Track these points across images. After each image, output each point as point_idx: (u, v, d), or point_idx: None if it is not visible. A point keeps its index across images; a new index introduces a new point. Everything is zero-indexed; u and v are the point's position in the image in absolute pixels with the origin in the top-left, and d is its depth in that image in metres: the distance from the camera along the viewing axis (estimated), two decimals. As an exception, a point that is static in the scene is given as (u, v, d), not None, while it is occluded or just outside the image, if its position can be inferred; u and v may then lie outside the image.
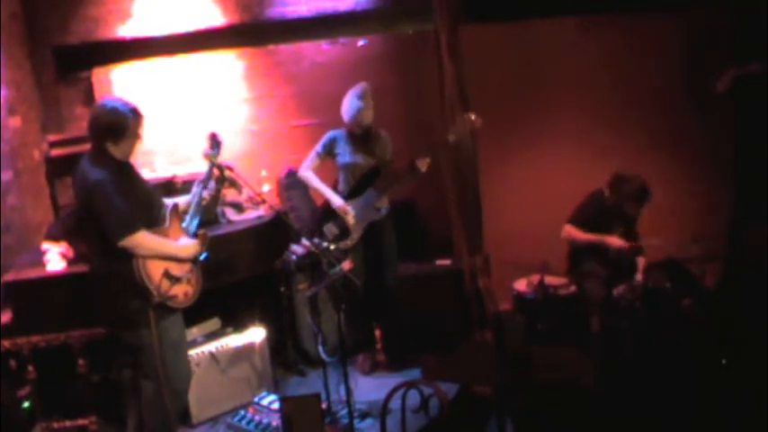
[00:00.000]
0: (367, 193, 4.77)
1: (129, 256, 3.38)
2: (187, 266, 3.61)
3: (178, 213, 3.72)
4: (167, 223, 3.61)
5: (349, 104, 4.67)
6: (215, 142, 3.89)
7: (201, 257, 3.71)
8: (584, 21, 5.53)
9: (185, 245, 3.63)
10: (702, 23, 5.53)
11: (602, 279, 4.86)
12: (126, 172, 3.54)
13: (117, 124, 3.42)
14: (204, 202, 3.79)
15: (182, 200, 3.81)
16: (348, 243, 4.69)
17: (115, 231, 3.35)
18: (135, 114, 3.49)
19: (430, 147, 4.73)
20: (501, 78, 5.62)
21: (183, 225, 3.71)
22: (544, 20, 5.50)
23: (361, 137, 4.74)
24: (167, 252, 3.52)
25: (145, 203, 3.55)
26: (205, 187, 3.79)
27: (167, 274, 3.46)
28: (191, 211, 3.75)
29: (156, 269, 3.44)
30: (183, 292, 3.57)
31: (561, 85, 5.65)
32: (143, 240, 3.41)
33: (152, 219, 3.54)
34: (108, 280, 3.49)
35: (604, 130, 5.62)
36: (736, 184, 5.47)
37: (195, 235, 3.72)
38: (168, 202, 3.74)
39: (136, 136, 3.51)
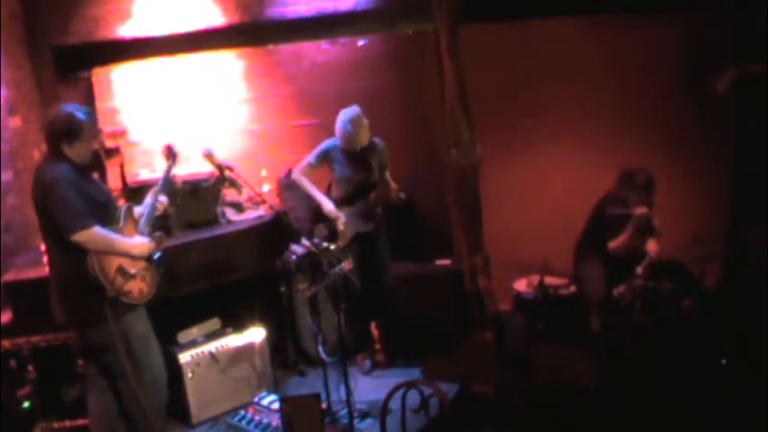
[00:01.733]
0: (358, 205, 4.81)
1: (82, 252, 3.44)
2: (141, 263, 3.65)
3: (132, 214, 3.78)
4: (122, 222, 3.69)
5: (341, 128, 4.69)
6: (171, 154, 4.01)
7: (156, 257, 3.75)
8: (584, 21, 5.53)
9: (138, 243, 3.68)
10: (702, 23, 5.53)
11: (603, 280, 4.86)
12: (81, 173, 3.62)
13: (72, 126, 3.54)
14: (157, 212, 3.88)
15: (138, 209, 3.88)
16: (333, 247, 4.70)
17: (68, 226, 3.41)
18: (90, 118, 3.63)
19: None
20: (501, 78, 5.62)
21: (138, 227, 3.77)
22: (544, 20, 5.50)
23: (355, 151, 4.75)
24: (119, 248, 3.56)
25: (100, 202, 3.61)
26: (157, 198, 3.87)
27: (121, 270, 3.51)
28: (144, 219, 3.81)
29: (109, 264, 3.50)
30: (137, 288, 3.61)
31: (561, 86, 5.64)
32: (95, 236, 3.46)
33: (106, 217, 3.60)
34: (63, 278, 3.56)
35: (604, 130, 5.62)
36: (736, 184, 5.47)
37: (151, 237, 3.77)
38: (122, 204, 3.83)
39: (91, 139, 3.65)
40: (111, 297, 3.46)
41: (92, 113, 3.65)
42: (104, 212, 3.60)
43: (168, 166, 3.98)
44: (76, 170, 3.57)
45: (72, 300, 3.55)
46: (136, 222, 3.77)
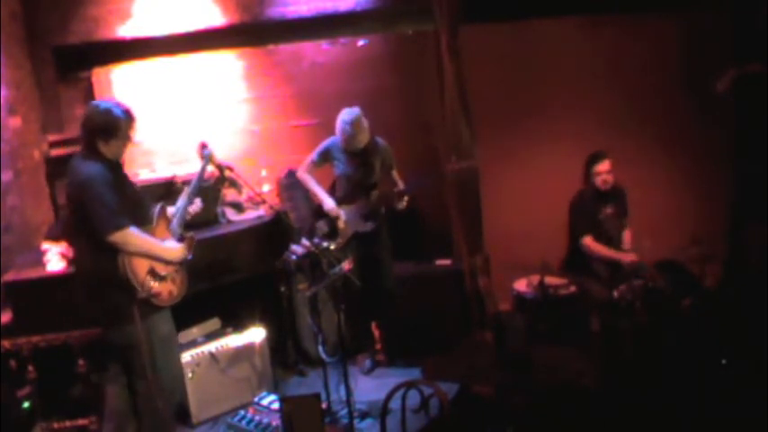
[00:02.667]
0: (359, 204, 4.81)
1: (114, 252, 3.41)
2: (172, 266, 3.65)
3: (165, 214, 3.76)
4: (154, 223, 3.66)
5: (341, 129, 4.69)
6: (204, 151, 3.98)
7: (188, 258, 3.75)
8: (584, 21, 5.53)
9: (172, 248, 3.66)
10: (702, 23, 5.53)
11: (603, 280, 4.87)
12: (116, 171, 3.58)
13: (109, 124, 3.49)
14: (188, 217, 3.85)
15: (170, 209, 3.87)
16: (334, 245, 4.70)
17: (104, 226, 3.37)
18: (127, 116, 3.56)
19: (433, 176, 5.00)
20: (501, 78, 5.62)
21: (170, 228, 3.76)
22: (544, 20, 5.50)
23: (356, 151, 4.75)
24: (154, 251, 3.54)
25: (134, 202, 3.59)
26: (191, 201, 3.86)
27: (152, 272, 3.50)
28: (176, 220, 3.80)
29: (141, 266, 3.48)
30: (167, 290, 3.61)
31: (561, 85, 5.64)
32: (131, 237, 3.43)
33: (140, 217, 3.57)
34: (93, 276, 3.51)
35: (604, 130, 5.61)
36: (736, 184, 5.47)
37: (182, 237, 3.76)
38: (156, 204, 3.79)
39: (127, 137, 3.58)
40: (140, 298, 3.44)
41: (129, 111, 3.58)
42: (138, 211, 3.58)
43: (203, 165, 3.95)
44: (111, 168, 3.52)
45: (100, 298, 3.52)
46: (168, 222, 3.76)
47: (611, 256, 4.94)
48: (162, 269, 3.56)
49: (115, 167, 3.57)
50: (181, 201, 3.86)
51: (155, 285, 3.49)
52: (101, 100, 3.69)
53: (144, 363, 3.50)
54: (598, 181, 4.97)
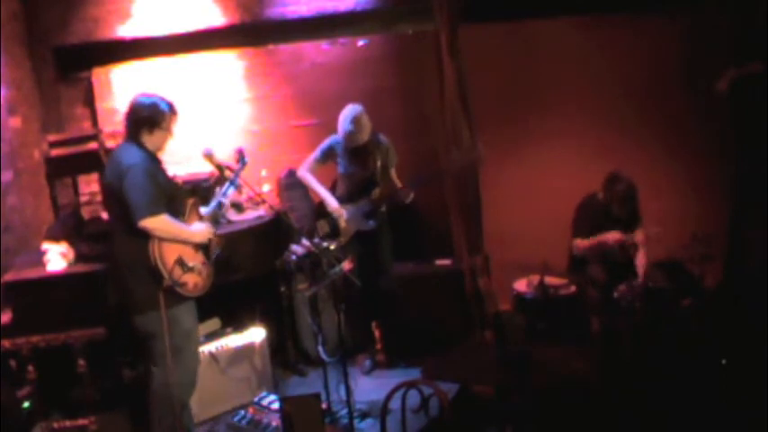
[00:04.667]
0: (362, 203, 4.82)
1: (146, 238, 3.52)
2: (200, 257, 3.74)
3: (197, 210, 3.89)
4: (186, 216, 3.78)
5: (342, 126, 4.70)
6: (241, 158, 4.19)
7: (214, 255, 3.84)
8: (585, 21, 5.53)
9: (201, 229, 3.79)
10: (702, 23, 5.53)
11: (603, 281, 4.86)
12: (156, 162, 3.74)
13: (155, 116, 3.68)
14: (221, 218, 4.05)
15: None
16: (334, 245, 4.69)
17: (140, 210, 3.50)
18: (171, 110, 3.75)
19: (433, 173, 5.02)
20: (501, 78, 5.62)
21: (201, 218, 3.90)
22: (544, 20, 5.50)
23: (357, 148, 4.75)
24: (183, 236, 3.67)
25: (170, 193, 3.71)
26: (224, 203, 4.02)
27: (180, 261, 3.56)
28: (206, 212, 3.94)
29: (170, 254, 3.56)
30: (193, 281, 3.67)
31: (561, 85, 5.64)
32: (163, 223, 3.55)
33: (174, 209, 3.68)
34: (124, 262, 3.64)
35: (604, 130, 5.62)
36: (737, 185, 5.47)
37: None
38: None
39: (169, 130, 3.75)
40: (167, 286, 3.51)
41: (173, 105, 3.76)
42: (172, 204, 3.68)
43: (237, 170, 4.08)
44: (152, 158, 3.68)
45: (129, 284, 3.63)
46: (200, 219, 3.87)
47: (596, 243, 4.83)
48: (190, 259, 3.62)
49: (155, 160, 3.72)
50: (213, 203, 3.99)
51: (182, 275, 3.55)
52: (145, 93, 3.81)
53: (163, 351, 3.54)
54: (615, 207, 4.81)
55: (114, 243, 3.72)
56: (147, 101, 3.71)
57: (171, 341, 3.53)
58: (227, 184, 4.04)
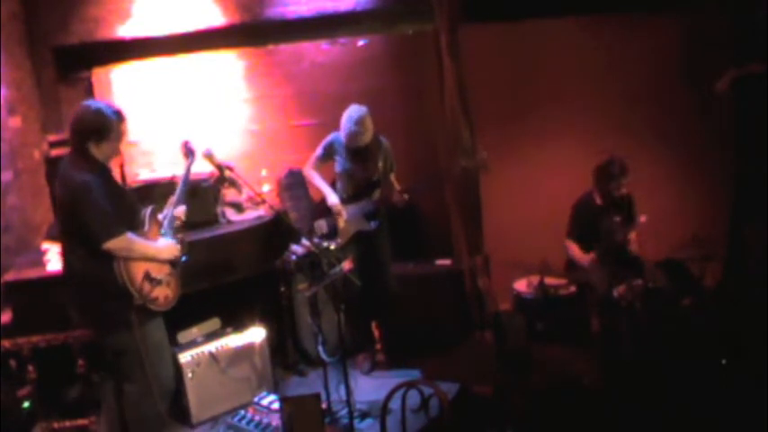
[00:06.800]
0: (363, 203, 4.81)
1: (109, 258, 3.36)
2: (166, 269, 3.60)
3: (156, 218, 3.71)
4: (147, 227, 3.61)
5: (345, 127, 4.67)
6: (188, 150, 3.87)
7: (182, 260, 3.72)
8: (585, 20, 5.53)
9: (166, 245, 3.62)
10: (702, 23, 5.53)
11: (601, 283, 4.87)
12: (106, 176, 3.52)
13: (101, 128, 3.42)
14: (177, 222, 3.75)
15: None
16: (332, 245, 4.69)
17: (101, 234, 3.33)
18: (119, 117, 3.49)
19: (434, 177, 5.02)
20: (501, 78, 5.62)
21: (162, 231, 3.70)
22: (544, 20, 5.50)
23: (358, 149, 4.75)
24: (149, 254, 3.50)
25: (126, 206, 3.55)
26: (176, 207, 3.76)
27: (148, 277, 3.46)
28: (166, 223, 3.73)
29: (137, 271, 3.44)
30: (163, 295, 3.57)
31: (561, 86, 5.65)
32: (127, 242, 3.40)
33: (132, 220, 3.53)
34: (88, 283, 3.46)
35: (604, 129, 5.62)
36: (736, 184, 5.47)
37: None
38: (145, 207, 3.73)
39: (118, 139, 3.51)
40: (137, 305, 3.41)
41: (120, 112, 3.50)
42: (130, 216, 3.53)
43: (187, 165, 3.84)
44: (102, 173, 3.46)
45: (94, 304, 3.48)
46: (160, 225, 3.70)
47: (577, 259, 4.92)
48: (157, 272, 3.52)
49: (105, 172, 3.52)
50: (167, 209, 3.77)
51: (151, 290, 3.46)
52: (90, 101, 3.61)
53: (135, 368, 3.49)
54: (612, 186, 4.88)
55: (73, 260, 3.49)
56: (91, 110, 3.44)
57: (143, 358, 3.45)
58: (177, 190, 3.78)
